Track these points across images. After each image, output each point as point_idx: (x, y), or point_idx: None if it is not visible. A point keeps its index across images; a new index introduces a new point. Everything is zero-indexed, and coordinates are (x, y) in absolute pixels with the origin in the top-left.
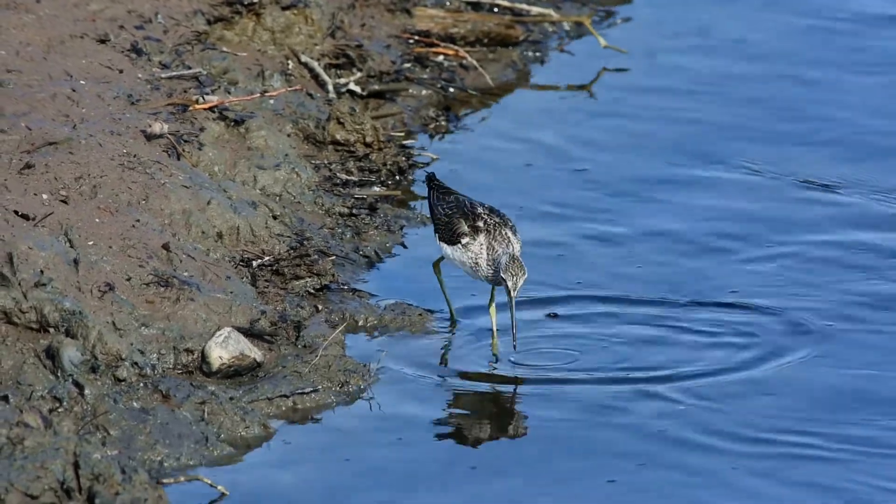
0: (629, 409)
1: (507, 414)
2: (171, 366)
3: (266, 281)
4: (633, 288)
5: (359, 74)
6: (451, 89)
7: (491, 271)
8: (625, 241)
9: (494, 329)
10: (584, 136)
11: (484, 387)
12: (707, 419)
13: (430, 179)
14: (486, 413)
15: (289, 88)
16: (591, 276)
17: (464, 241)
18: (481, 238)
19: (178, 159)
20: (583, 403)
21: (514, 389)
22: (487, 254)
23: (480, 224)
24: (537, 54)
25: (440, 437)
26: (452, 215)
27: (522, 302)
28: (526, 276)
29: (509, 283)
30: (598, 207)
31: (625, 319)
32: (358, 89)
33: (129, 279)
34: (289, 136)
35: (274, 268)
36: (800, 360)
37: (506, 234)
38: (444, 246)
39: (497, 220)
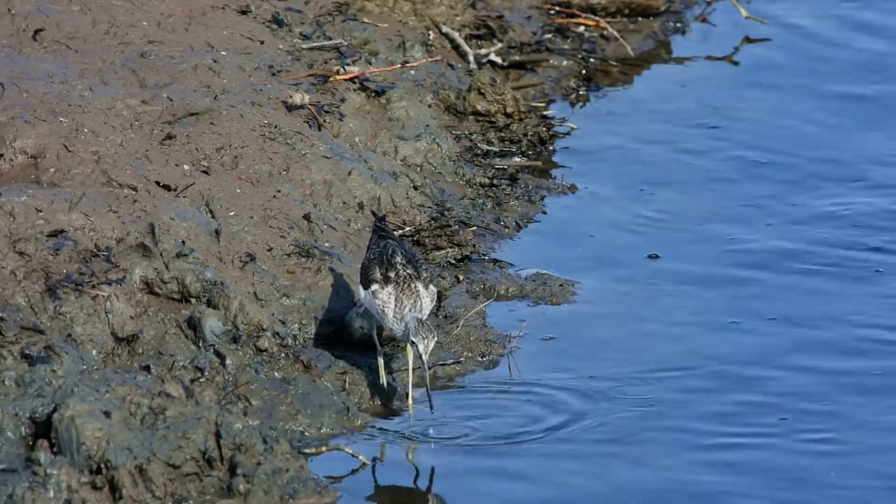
0: None
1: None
2: (312, 336)
3: None
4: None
5: (499, 45)
6: (592, 60)
7: (398, 328)
8: (779, 216)
9: (411, 371)
10: (726, 107)
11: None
12: None
13: (377, 222)
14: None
15: (429, 59)
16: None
17: (373, 287)
18: (389, 288)
19: (319, 130)
20: None
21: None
22: (395, 306)
23: (392, 274)
24: (678, 25)
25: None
26: (372, 260)
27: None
28: (435, 339)
29: (420, 347)
30: (742, 176)
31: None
32: (499, 60)
33: (270, 249)
34: (429, 106)
35: (415, 238)
36: None
37: (415, 287)
38: (360, 288)
39: (411, 271)
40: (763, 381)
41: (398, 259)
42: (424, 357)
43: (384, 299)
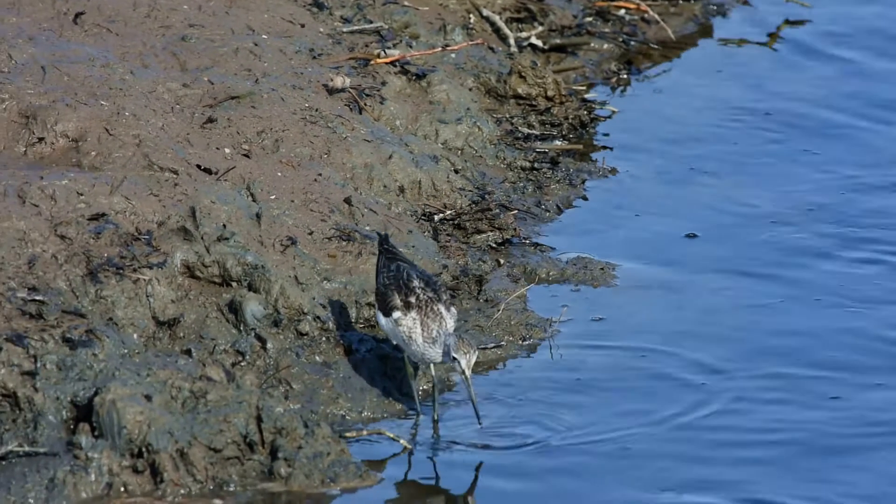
0: None
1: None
2: (353, 320)
3: (448, 235)
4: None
5: (540, 28)
6: (633, 43)
7: (432, 351)
8: (822, 205)
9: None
10: (767, 90)
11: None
12: None
13: (382, 242)
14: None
15: (470, 42)
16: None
17: (395, 315)
18: (413, 314)
19: (360, 113)
20: None
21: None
22: (423, 330)
23: (413, 300)
24: (719, 7)
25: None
26: (388, 286)
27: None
28: (477, 353)
29: (462, 362)
30: (784, 160)
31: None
32: (539, 43)
33: (310, 233)
34: (470, 90)
35: (456, 222)
36: None
37: (438, 310)
38: (379, 315)
39: (431, 294)
40: (809, 352)
41: (415, 283)
42: (467, 372)
43: (409, 325)
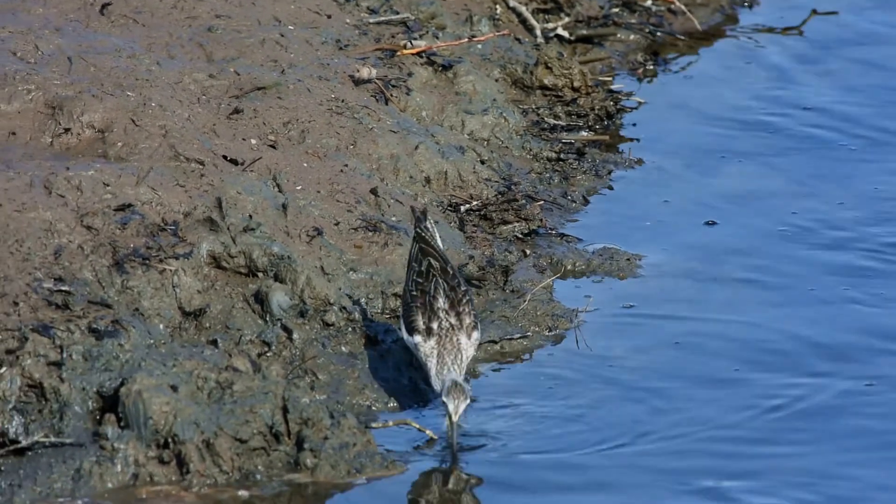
0: None
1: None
2: (378, 310)
3: (474, 226)
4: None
5: (567, 19)
6: (659, 34)
7: (437, 385)
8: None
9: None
10: (794, 81)
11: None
12: None
13: (417, 222)
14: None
15: (497, 33)
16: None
17: (416, 339)
18: (432, 342)
19: (386, 104)
20: None
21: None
22: (437, 363)
23: (435, 326)
24: None
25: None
26: (415, 299)
27: None
28: (468, 402)
29: (450, 407)
30: (811, 152)
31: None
32: (566, 34)
33: (337, 224)
34: (496, 80)
35: (482, 212)
36: None
37: (457, 341)
38: (402, 328)
39: (453, 321)
40: (846, 348)
41: (440, 303)
42: (454, 418)
43: (426, 353)
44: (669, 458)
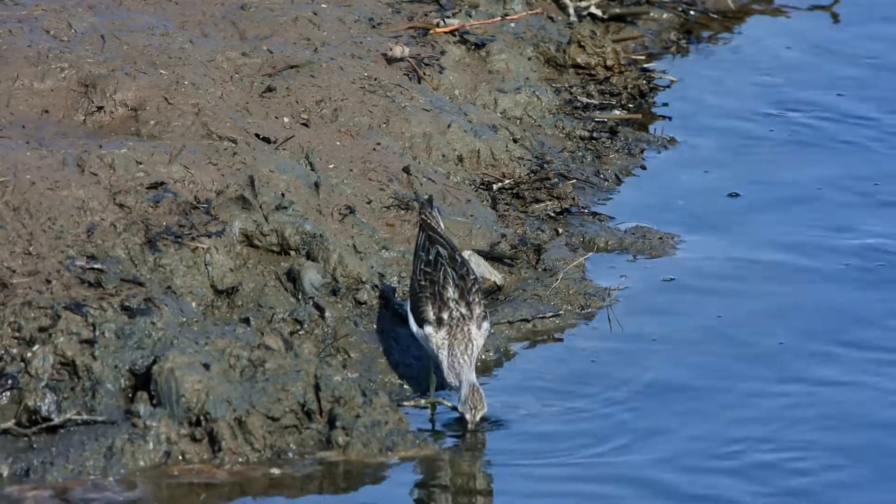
0: None
1: None
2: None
3: (506, 204)
4: None
5: None
6: (692, 12)
7: (452, 380)
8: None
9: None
10: (828, 59)
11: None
12: None
13: (422, 209)
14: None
15: (530, 12)
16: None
17: (426, 330)
18: (443, 333)
19: (419, 83)
20: None
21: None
22: (448, 355)
23: (445, 316)
24: None
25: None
26: (425, 289)
27: None
28: (485, 409)
29: (467, 416)
30: (845, 132)
31: None
32: (599, 12)
33: (369, 202)
34: (529, 59)
35: (514, 191)
36: None
37: (467, 331)
38: (411, 320)
39: (464, 310)
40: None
41: (450, 292)
42: (471, 426)
43: (438, 344)
44: (696, 421)
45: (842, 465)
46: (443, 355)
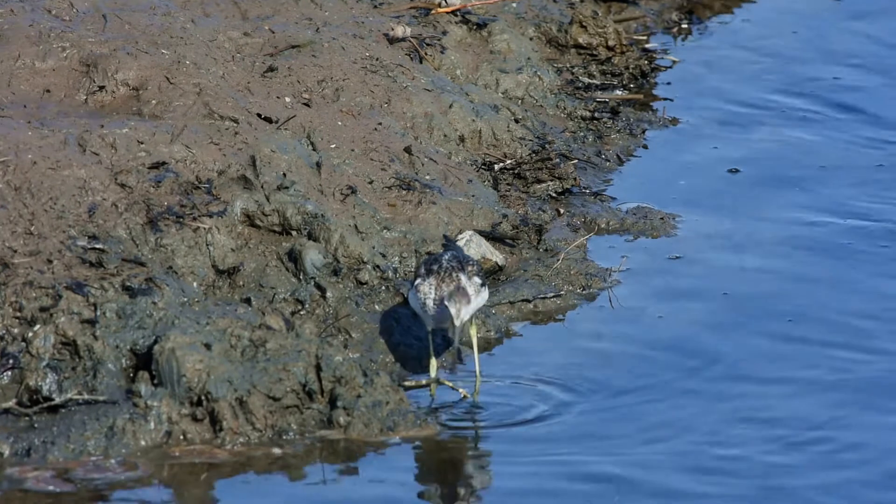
0: None
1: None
2: (412, 269)
3: (508, 184)
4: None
5: None
6: None
7: (435, 308)
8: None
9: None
10: (829, 41)
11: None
12: None
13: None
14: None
15: None
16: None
17: (416, 282)
18: (431, 279)
19: (421, 63)
20: None
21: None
22: (435, 293)
23: (435, 267)
24: None
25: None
26: (420, 266)
27: None
28: (470, 305)
29: (452, 310)
30: (848, 114)
31: None
32: None
33: (370, 182)
34: (531, 39)
35: (516, 171)
36: None
37: (456, 276)
38: (409, 295)
39: (454, 265)
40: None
41: (445, 258)
42: (456, 322)
43: (425, 291)
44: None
45: (850, 459)
46: (429, 299)
